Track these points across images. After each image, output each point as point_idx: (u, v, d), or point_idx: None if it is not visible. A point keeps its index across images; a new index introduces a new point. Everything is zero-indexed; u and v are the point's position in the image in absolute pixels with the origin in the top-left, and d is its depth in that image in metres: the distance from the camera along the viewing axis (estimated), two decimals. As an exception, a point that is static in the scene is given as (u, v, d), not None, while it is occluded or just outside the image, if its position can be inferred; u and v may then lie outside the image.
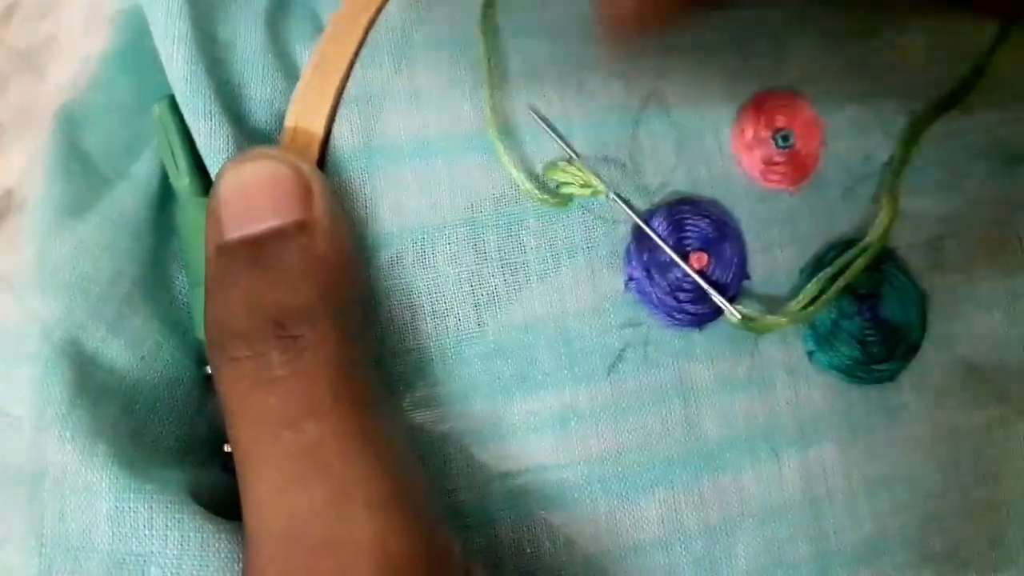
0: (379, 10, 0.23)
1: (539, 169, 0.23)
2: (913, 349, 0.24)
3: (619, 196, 0.23)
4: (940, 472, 0.24)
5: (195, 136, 0.22)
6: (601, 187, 0.23)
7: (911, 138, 0.24)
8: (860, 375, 0.23)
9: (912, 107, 0.25)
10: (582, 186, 0.23)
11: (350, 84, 0.23)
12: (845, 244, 0.24)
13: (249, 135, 0.23)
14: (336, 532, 0.18)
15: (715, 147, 0.24)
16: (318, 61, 0.23)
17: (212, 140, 0.22)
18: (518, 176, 0.22)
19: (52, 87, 0.30)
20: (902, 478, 0.24)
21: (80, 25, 0.30)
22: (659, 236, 0.23)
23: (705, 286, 0.23)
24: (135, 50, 0.25)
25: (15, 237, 0.30)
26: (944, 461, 0.24)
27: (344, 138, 0.23)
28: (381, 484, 0.19)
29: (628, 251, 0.23)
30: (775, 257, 0.24)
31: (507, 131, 0.23)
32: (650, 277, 0.23)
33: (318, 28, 0.24)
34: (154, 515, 0.19)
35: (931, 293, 0.24)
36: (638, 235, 0.23)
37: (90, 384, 0.20)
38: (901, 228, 0.24)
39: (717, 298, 0.23)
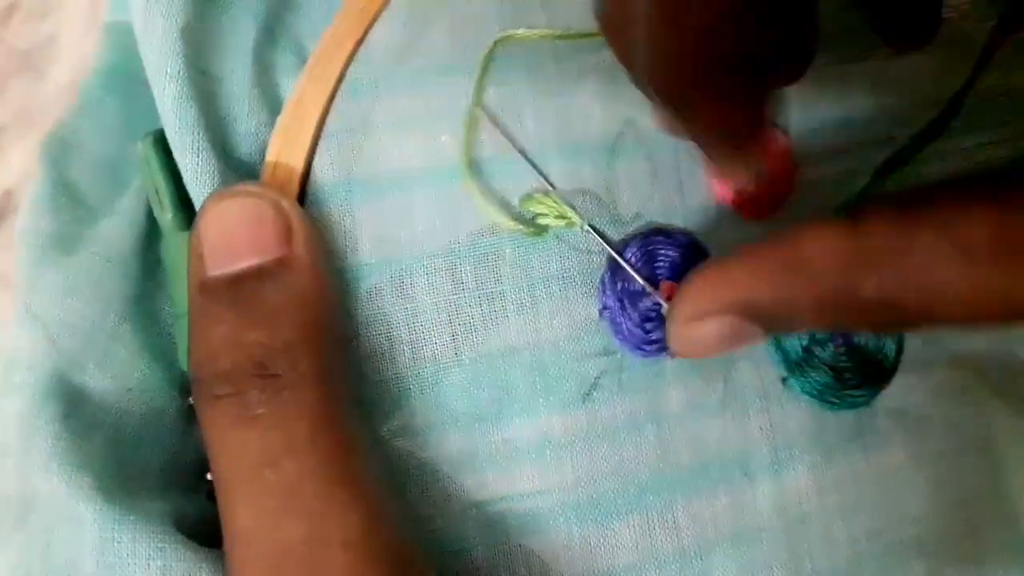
0: (358, 44, 0.24)
1: (515, 200, 0.23)
2: (888, 375, 0.24)
3: (593, 227, 0.23)
4: (919, 496, 0.24)
5: (182, 171, 0.23)
6: (576, 218, 0.23)
7: (883, 172, 0.24)
8: (833, 401, 0.24)
9: (891, 132, 0.25)
10: (557, 217, 0.23)
11: (330, 118, 0.23)
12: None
13: (235, 168, 0.24)
14: (313, 568, 0.19)
15: (690, 177, 0.24)
16: (299, 96, 0.23)
17: (199, 175, 0.23)
18: (490, 209, 0.23)
19: (52, 87, 0.30)
20: (879, 503, 0.24)
21: (80, 25, 0.30)
22: (631, 265, 0.23)
23: (661, 300, 0.23)
24: (121, 70, 0.25)
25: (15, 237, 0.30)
26: (923, 485, 0.24)
27: (324, 171, 0.23)
28: (356, 521, 0.19)
29: (602, 281, 0.23)
30: (749, 284, 0.24)
31: (484, 162, 0.23)
32: (623, 307, 0.23)
33: (303, 60, 0.25)
34: (137, 545, 0.20)
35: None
36: (612, 265, 0.23)
37: (77, 417, 0.21)
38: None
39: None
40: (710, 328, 0.19)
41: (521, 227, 0.23)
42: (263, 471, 0.19)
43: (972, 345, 0.25)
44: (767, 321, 0.18)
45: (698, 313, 0.19)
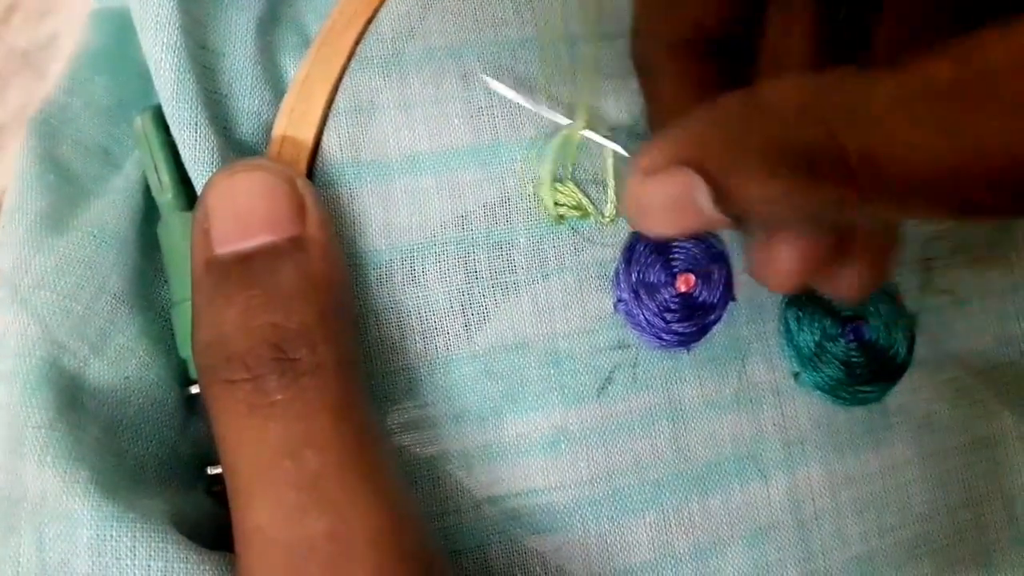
0: (369, 22, 0.23)
1: (531, 187, 0.23)
2: (900, 371, 0.24)
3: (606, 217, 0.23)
4: (928, 493, 0.24)
5: (180, 147, 0.22)
6: (591, 208, 0.23)
7: None
8: (845, 396, 0.24)
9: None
10: (573, 207, 0.23)
11: (339, 96, 0.23)
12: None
13: (235, 146, 0.23)
14: (337, 567, 0.18)
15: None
16: (307, 73, 0.22)
17: (197, 151, 0.21)
18: (547, 198, 0.22)
19: (52, 87, 0.30)
20: (890, 499, 0.24)
21: (80, 24, 0.30)
22: (644, 257, 0.23)
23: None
24: (111, 51, 0.24)
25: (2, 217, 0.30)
26: (932, 482, 0.24)
27: (332, 151, 0.22)
28: (381, 518, 0.18)
29: (616, 273, 0.23)
30: (762, 279, 0.24)
31: (498, 146, 0.23)
32: (638, 298, 0.23)
33: (305, 41, 0.24)
34: (137, 545, 0.19)
35: (920, 314, 0.25)
36: (626, 257, 0.23)
37: (72, 406, 0.20)
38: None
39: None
40: (659, 185, 0.17)
41: (559, 212, 0.22)
42: (283, 462, 0.17)
43: (979, 345, 0.25)
44: (715, 176, 0.16)
45: (652, 166, 0.17)
